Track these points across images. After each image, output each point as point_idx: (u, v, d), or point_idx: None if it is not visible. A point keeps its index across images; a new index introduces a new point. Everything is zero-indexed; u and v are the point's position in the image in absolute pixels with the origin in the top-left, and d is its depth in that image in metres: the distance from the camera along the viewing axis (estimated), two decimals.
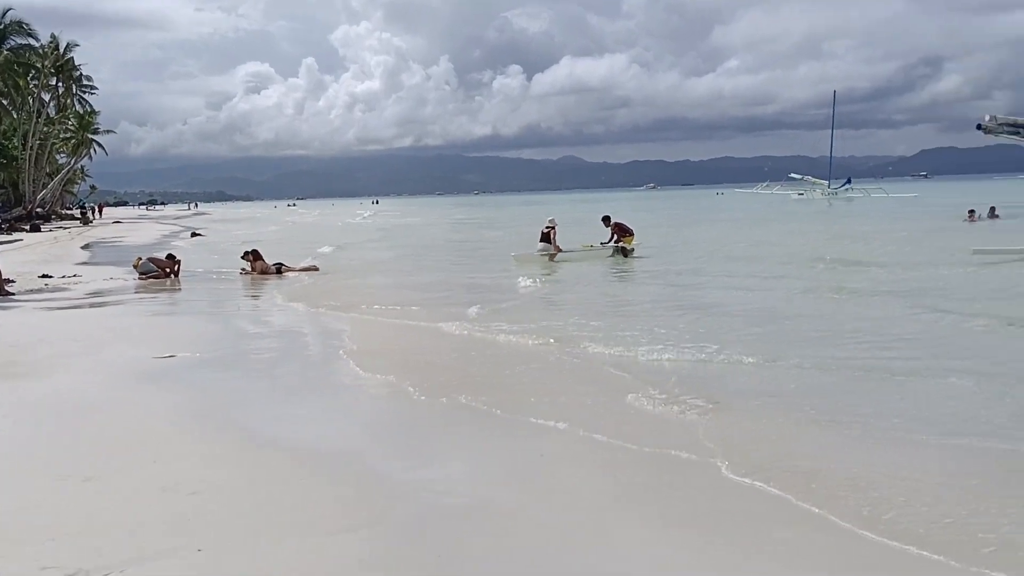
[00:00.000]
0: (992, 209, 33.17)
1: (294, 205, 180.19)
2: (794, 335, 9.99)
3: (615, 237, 21.45)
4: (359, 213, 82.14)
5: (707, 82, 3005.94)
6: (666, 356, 8.59)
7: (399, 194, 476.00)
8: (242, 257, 20.00)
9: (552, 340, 9.68)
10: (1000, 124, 17.31)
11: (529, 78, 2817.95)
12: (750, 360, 8.26)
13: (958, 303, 11.85)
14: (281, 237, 40.14)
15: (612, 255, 21.07)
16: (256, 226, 56.65)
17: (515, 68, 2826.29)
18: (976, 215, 32.39)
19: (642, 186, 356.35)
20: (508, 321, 11.22)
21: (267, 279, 18.79)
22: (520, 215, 60.94)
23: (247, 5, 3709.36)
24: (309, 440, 6.06)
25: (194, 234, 42.35)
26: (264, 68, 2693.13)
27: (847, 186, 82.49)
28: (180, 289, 17.57)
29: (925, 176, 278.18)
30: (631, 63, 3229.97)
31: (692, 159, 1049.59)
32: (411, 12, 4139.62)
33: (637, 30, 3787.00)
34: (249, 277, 19.20)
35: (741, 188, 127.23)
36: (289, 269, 19.68)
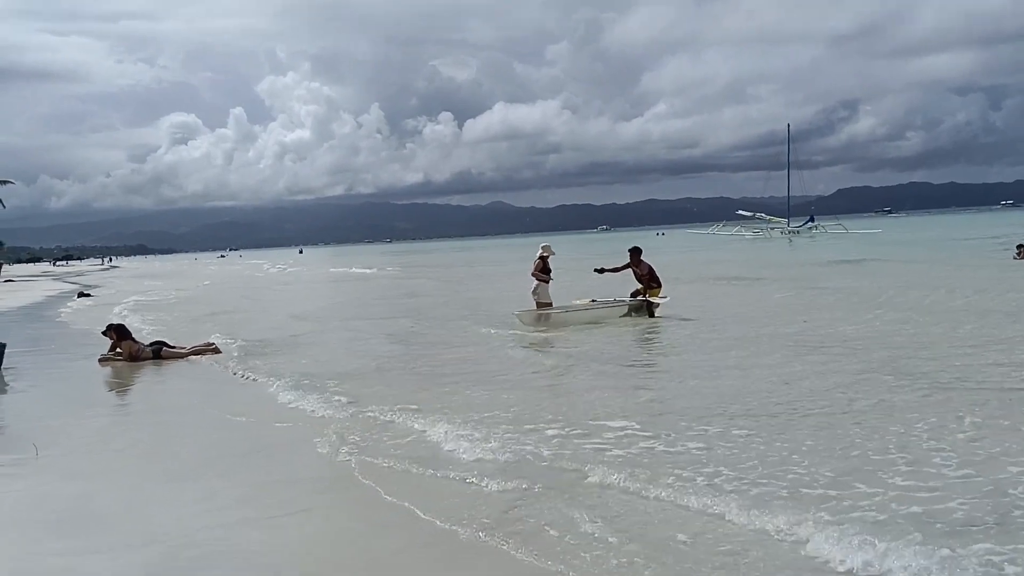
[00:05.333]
0: None
1: (224, 256, 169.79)
2: None
3: (641, 287, 15.35)
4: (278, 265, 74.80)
5: (635, 126, 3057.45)
6: None
7: (327, 243, 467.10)
8: (103, 334, 13.93)
9: None
10: None
11: (460, 125, 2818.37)
12: None
13: None
14: (193, 296, 33.75)
15: (627, 313, 15.10)
16: (157, 282, 49.86)
17: (446, 115, 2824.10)
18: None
19: (585, 229, 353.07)
20: None
21: (139, 367, 12.86)
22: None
23: (166, 56, 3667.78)
24: None
25: (81, 294, 35.43)
26: (191, 119, 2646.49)
27: (810, 224, 77.77)
28: None
29: (889, 211, 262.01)
30: (562, 109, 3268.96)
31: (618, 202, 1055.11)
32: (338, 62, 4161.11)
33: (563, 76, 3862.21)
34: (112, 365, 13.20)
35: (694, 229, 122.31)
36: (173, 352, 13.70)
